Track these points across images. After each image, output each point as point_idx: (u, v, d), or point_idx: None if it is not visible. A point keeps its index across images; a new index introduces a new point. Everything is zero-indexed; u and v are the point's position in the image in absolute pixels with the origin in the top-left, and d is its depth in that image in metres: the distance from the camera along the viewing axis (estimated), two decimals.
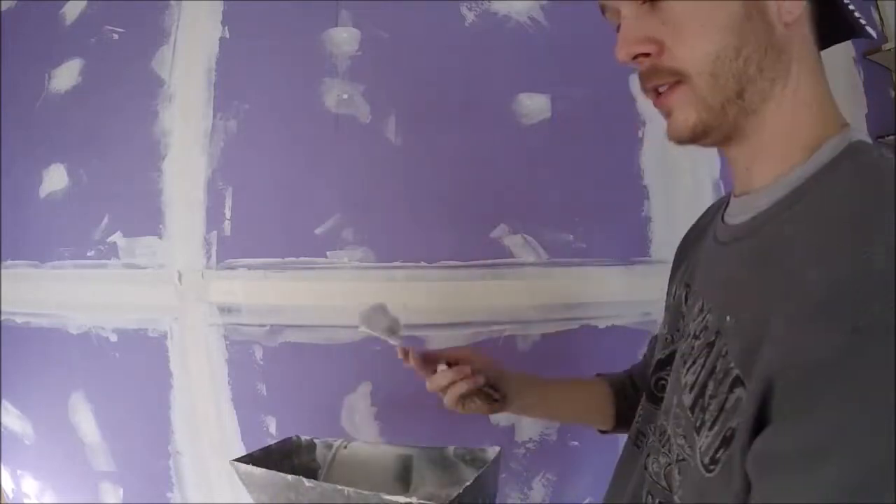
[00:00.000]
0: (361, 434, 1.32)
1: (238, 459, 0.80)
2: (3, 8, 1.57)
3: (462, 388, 0.73)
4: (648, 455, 0.58)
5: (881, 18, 1.48)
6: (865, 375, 0.33)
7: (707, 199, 1.27)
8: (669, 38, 0.48)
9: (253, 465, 0.77)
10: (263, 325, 1.33)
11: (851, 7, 0.49)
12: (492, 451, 0.87)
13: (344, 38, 1.37)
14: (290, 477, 0.69)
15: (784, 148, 0.48)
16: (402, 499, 0.59)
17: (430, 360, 0.77)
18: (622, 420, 0.81)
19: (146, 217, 1.38)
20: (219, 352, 1.34)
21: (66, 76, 1.47)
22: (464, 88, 1.36)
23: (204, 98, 1.38)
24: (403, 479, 0.91)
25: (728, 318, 0.46)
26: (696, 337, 0.51)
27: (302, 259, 1.33)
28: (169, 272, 1.36)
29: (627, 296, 1.33)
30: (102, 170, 1.42)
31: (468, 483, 0.71)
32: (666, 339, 0.62)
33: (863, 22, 0.50)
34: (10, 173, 1.50)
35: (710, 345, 0.47)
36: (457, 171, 1.34)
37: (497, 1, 1.37)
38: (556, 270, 1.32)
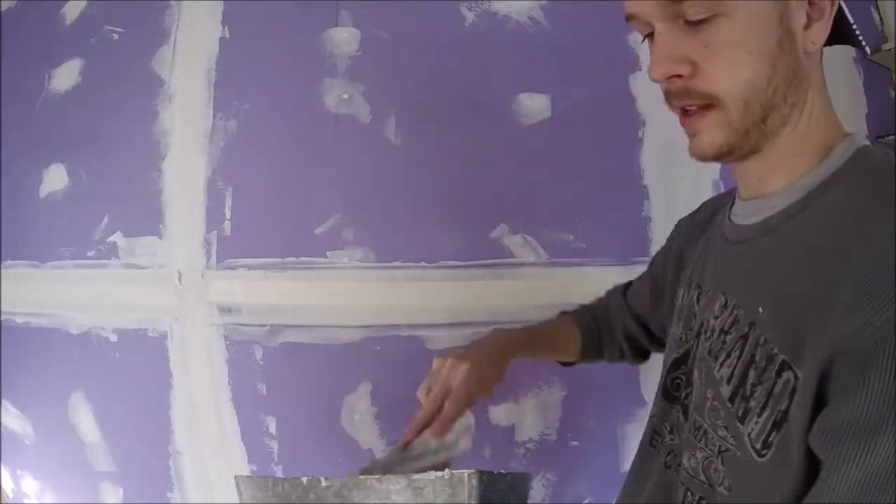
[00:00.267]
0: (362, 434, 1.33)
1: None
2: (3, 8, 1.57)
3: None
4: (670, 453, 0.59)
5: (881, 18, 1.48)
6: None
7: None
8: (707, 60, 0.48)
9: None
10: (263, 325, 1.33)
11: (854, 27, 0.51)
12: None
13: (344, 38, 1.37)
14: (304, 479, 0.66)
15: (797, 160, 0.51)
16: (432, 474, 0.58)
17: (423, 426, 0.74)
18: (584, 356, 0.92)
19: (146, 217, 1.38)
20: (219, 352, 1.34)
21: (66, 76, 1.47)
22: (464, 88, 1.36)
23: (204, 98, 1.38)
24: None
25: (761, 309, 0.49)
26: (724, 332, 0.53)
27: (302, 259, 1.33)
28: (169, 272, 1.36)
29: None
30: (102, 170, 1.42)
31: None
32: (680, 338, 0.63)
33: (862, 41, 0.52)
34: (10, 173, 1.50)
35: (744, 337, 0.50)
36: (457, 171, 1.34)
37: (497, 1, 1.37)
38: (556, 270, 1.33)
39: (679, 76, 0.49)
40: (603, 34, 1.34)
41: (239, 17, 1.40)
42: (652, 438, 0.65)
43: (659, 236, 1.34)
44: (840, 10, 0.50)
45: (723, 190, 1.31)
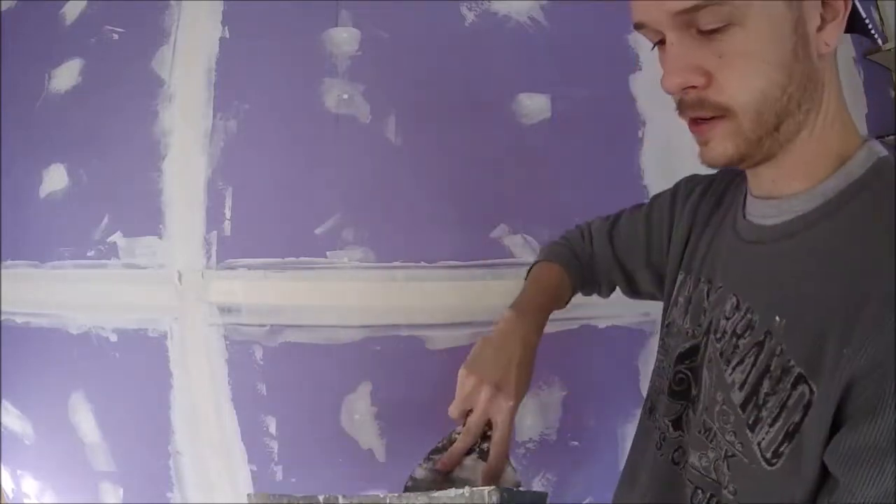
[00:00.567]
0: (361, 434, 1.33)
1: None
2: (3, 8, 1.57)
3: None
4: (678, 449, 0.59)
5: (881, 18, 1.48)
6: None
7: None
8: (721, 70, 0.47)
9: None
10: (263, 325, 1.33)
11: (867, 21, 0.50)
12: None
13: (344, 38, 1.37)
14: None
15: (813, 165, 0.50)
16: (452, 492, 0.57)
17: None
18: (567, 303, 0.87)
19: (146, 217, 1.38)
20: (219, 352, 1.34)
21: (66, 76, 1.47)
22: (464, 88, 1.36)
23: (204, 98, 1.38)
24: None
25: (778, 318, 0.48)
26: (737, 335, 0.52)
27: (302, 259, 1.33)
28: (169, 272, 1.36)
29: None
30: (102, 170, 1.42)
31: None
32: (687, 332, 0.62)
33: (875, 34, 0.51)
34: (10, 173, 1.50)
35: (759, 344, 0.49)
36: (457, 171, 1.34)
37: (497, 1, 1.37)
38: None
39: (694, 87, 0.48)
40: (603, 34, 1.34)
41: (239, 17, 1.40)
42: (651, 412, 0.67)
43: None
44: (853, 7, 0.48)
45: None
